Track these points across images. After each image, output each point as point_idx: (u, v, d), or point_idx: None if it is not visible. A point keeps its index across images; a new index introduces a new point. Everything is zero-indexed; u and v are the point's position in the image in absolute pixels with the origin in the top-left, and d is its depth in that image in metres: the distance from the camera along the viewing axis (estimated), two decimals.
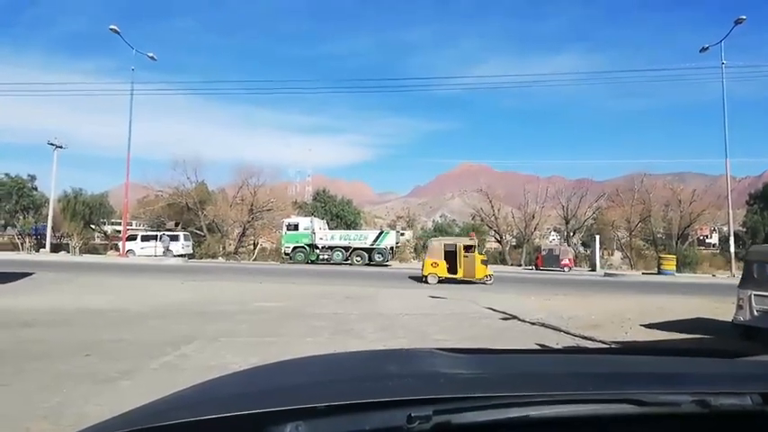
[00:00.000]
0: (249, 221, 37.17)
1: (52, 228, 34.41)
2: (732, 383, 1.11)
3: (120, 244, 34.21)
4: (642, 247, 38.37)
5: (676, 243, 34.71)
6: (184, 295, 13.41)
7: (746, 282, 8.81)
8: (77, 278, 16.79)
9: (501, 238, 40.93)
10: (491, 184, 45.59)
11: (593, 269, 29.50)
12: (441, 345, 7.09)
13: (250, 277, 18.88)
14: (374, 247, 29.19)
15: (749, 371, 1.35)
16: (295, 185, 72.91)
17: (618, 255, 40.86)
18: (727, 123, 27.39)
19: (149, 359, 6.41)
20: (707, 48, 28.35)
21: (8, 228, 39.35)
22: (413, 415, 0.83)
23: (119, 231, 39.26)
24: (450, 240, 21.18)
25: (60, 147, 34.89)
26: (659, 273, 26.17)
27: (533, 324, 9.91)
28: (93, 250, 37.98)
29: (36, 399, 4.79)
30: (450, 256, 18.30)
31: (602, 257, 34.13)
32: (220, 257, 33.65)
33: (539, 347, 7.32)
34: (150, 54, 33.38)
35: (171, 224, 38.49)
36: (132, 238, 32.95)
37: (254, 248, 38.03)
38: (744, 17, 26.30)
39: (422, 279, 18.41)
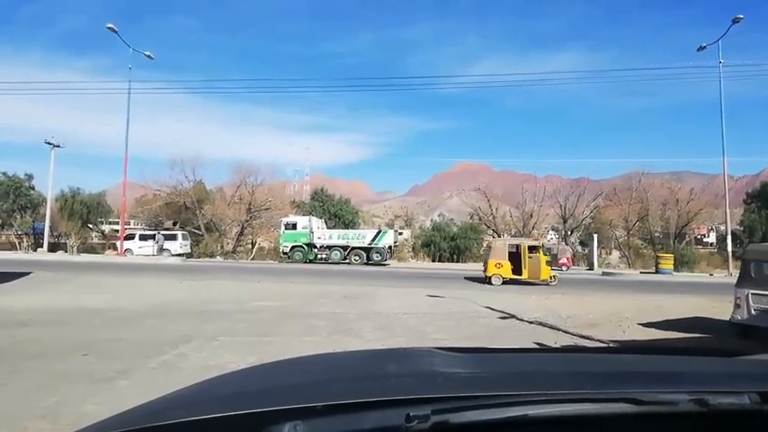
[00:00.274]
0: (247, 220, 37.16)
1: (50, 227, 34.34)
2: (730, 382, 1.11)
3: (117, 243, 34.15)
4: (640, 246, 38.47)
5: (674, 242, 34.81)
6: (182, 294, 13.39)
7: (744, 281, 8.84)
8: (75, 277, 16.74)
9: (499, 237, 40.97)
10: (489, 183, 45.61)
11: (591, 268, 29.53)
12: (439, 344, 7.10)
13: (248, 276, 18.86)
14: (372, 246, 29.19)
15: (747, 370, 1.35)
16: (293, 184, 72.99)
17: (616, 254, 40.97)
18: (725, 122, 27.53)
19: (147, 358, 6.40)
20: (704, 47, 28.37)
21: (5, 227, 39.24)
22: (411, 414, 0.83)
23: (116, 231, 39.20)
24: (514, 240, 20.82)
25: (58, 146, 34.81)
26: (657, 272, 26.20)
27: (531, 323, 9.93)
28: (91, 249, 37.87)
29: (33, 398, 4.78)
30: (514, 257, 18.01)
31: (599, 256, 34.19)
32: (218, 257, 33.61)
33: (537, 346, 7.33)
34: (147, 53, 33.27)
35: (169, 223, 38.45)
36: (130, 237, 32.91)
37: (253, 248, 38.01)
38: (741, 16, 26.34)
39: (485, 280, 17.98)
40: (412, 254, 39.19)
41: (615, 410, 0.93)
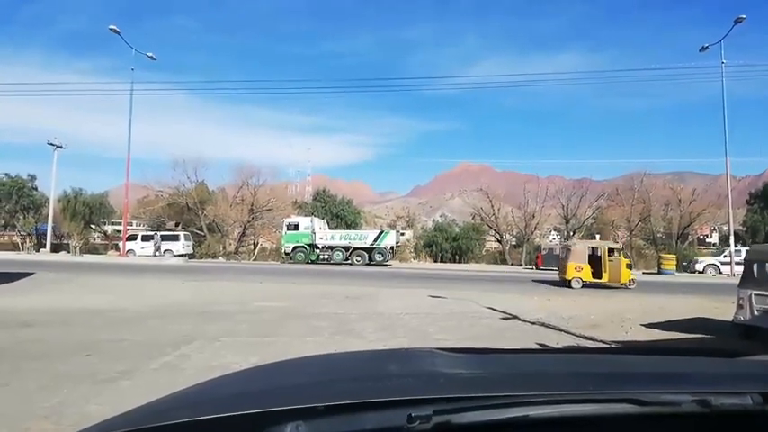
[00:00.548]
0: (249, 221, 37.19)
1: (53, 228, 34.44)
2: (732, 383, 1.11)
3: (120, 244, 34.24)
4: (642, 247, 38.41)
5: (676, 242, 34.74)
6: (185, 295, 13.41)
7: (746, 281, 8.81)
8: (77, 278, 16.79)
9: (501, 237, 40.96)
10: (491, 184, 45.65)
11: None
12: (441, 344, 7.09)
13: (250, 277, 18.88)
14: (374, 246, 29.19)
15: (749, 370, 1.35)
16: (295, 185, 72.78)
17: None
18: (727, 122, 27.43)
19: (149, 359, 6.41)
20: (707, 47, 28.34)
21: (8, 228, 39.37)
22: (413, 415, 0.83)
23: (119, 231, 39.27)
24: (594, 243, 20.54)
25: (60, 147, 34.96)
26: (659, 272, 26.19)
27: (534, 324, 9.92)
28: (94, 250, 38.03)
29: (36, 398, 4.79)
30: (594, 260, 17.78)
31: None
32: (220, 257, 33.67)
33: (539, 347, 7.32)
34: (150, 54, 33.42)
35: (171, 224, 38.55)
36: (132, 237, 32.98)
37: (255, 248, 38.07)
38: (743, 16, 26.31)
39: (565, 283, 17.67)
40: (414, 254, 39.18)
41: (617, 411, 0.92)
